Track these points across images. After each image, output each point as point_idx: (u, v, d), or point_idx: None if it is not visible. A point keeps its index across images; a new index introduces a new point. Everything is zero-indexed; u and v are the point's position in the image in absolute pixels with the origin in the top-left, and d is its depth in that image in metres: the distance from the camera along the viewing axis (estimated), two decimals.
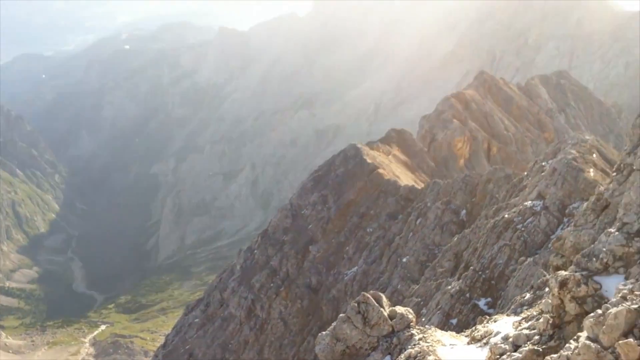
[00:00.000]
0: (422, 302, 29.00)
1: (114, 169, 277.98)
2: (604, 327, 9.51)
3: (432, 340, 9.90)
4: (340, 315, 10.56)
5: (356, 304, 10.42)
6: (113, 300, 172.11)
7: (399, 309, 10.53)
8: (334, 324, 10.50)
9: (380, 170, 53.83)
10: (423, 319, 25.03)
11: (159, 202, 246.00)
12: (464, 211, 39.08)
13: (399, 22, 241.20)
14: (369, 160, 55.17)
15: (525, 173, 36.49)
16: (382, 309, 10.48)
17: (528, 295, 15.88)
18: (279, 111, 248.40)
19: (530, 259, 21.77)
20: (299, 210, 55.31)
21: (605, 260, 12.00)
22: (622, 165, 16.87)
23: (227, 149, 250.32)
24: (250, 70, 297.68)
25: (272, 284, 49.72)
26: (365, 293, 10.54)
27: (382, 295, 11.56)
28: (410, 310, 10.63)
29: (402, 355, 9.43)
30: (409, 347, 9.70)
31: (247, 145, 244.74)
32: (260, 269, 52.10)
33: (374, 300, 10.50)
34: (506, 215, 26.49)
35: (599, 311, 10.14)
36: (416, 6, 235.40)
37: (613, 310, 9.57)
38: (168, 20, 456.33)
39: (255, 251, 54.74)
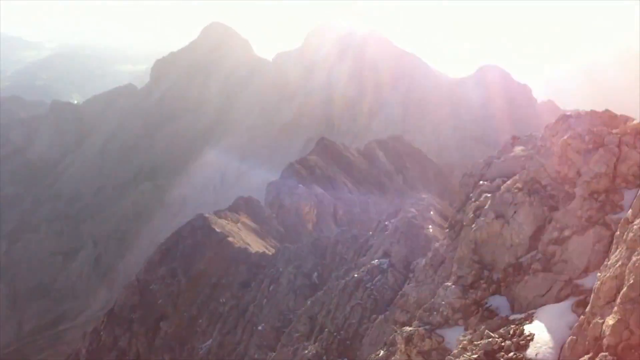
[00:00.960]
0: None
1: None
2: None
3: None
4: None
5: None
6: None
7: None
8: None
9: (230, 239, 53.73)
10: None
11: None
12: (315, 274, 39.94)
13: (239, 93, 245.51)
14: (217, 230, 54.91)
15: (371, 233, 38.28)
16: None
17: (382, 353, 16.59)
18: (120, 185, 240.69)
19: (381, 316, 22.74)
20: (146, 286, 53.43)
21: (445, 313, 13.03)
22: (453, 222, 18.43)
23: (65, 227, 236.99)
24: (87, 144, 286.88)
25: None
26: None
27: None
28: None
29: None
30: None
31: (87, 221, 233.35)
32: (108, 351, 49.35)
33: None
34: (356, 275, 27.56)
35: None
36: (255, 77, 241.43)
37: None
38: None
39: (102, 332, 51.84)
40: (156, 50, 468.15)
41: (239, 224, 62.25)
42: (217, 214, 62.85)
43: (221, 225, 57.02)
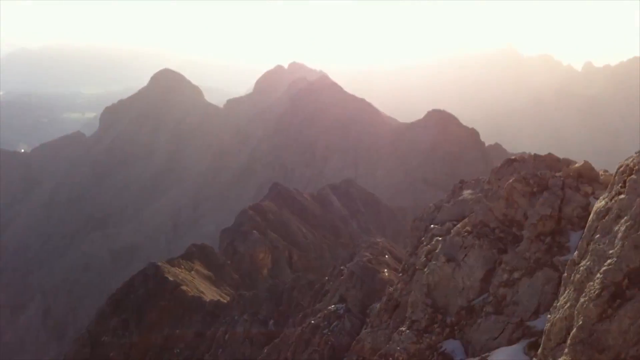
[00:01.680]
0: None
1: None
2: None
3: None
4: None
5: None
6: None
7: None
8: None
9: (184, 287, 52.88)
10: None
11: None
12: (271, 321, 39.59)
13: (190, 139, 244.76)
14: (170, 278, 54.00)
15: (327, 278, 38.28)
16: None
17: None
18: (68, 234, 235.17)
19: None
20: (97, 338, 51.99)
21: (400, 358, 13.11)
22: (406, 265, 18.68)
23: (11, 280, 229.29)
24: (34, 193, 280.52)
25: None
26: None
27: None
28: None
29: None
30: None
31: (35, 273, 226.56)
32: None
33: None
34: (312, 321, 27.44)
35: None
36: (205, 124, 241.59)
37: None
38: None
39: None
40: (105, 97, 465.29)
41: (192, 272, 61.39)
42: (170, 262, 61.89)
43: (174, 273, 56.13)
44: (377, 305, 20.48)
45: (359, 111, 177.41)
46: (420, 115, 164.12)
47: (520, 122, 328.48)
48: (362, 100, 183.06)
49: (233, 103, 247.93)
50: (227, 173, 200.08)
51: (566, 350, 8.70)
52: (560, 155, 17.00)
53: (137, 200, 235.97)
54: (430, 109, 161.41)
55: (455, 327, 13.91)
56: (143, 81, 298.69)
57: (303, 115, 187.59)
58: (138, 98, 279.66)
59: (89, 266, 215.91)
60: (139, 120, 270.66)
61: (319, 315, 28.02)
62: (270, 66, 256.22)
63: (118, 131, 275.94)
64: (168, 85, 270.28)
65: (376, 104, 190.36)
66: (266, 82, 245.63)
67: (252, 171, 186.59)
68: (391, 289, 19.03)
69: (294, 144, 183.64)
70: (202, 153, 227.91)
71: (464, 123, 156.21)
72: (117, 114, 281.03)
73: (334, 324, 25.94)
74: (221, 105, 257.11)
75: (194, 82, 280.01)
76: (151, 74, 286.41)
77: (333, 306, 27.37)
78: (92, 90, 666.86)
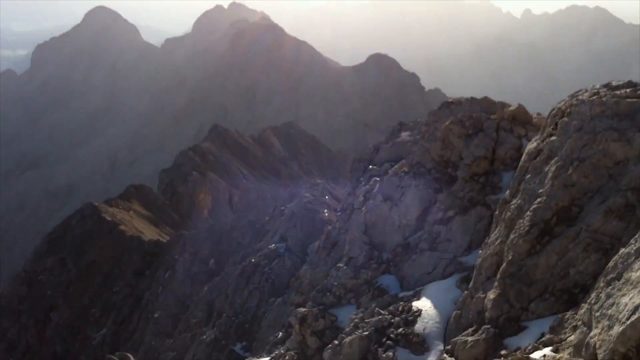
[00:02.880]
0: (177, 356, 28.85)
1: None
2: (341, 356, 10.78)
3: None
4: None
5: None
6: None
7: None
8: None
9: (122, 227, 52.35)
10: None
11: None
12: (212, 260, 39.75)
13: (127, 79, 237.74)
14: (108, 218, 53.31)
15: (267, 218, 38.53)
16: None
17: (280, 334, 16.89)
18: (1, 174, 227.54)
19: (279, 299, 23.08)
20: (34, 277, 51.29)
21: (337, 293, 13.47)
22: (345, 205, 18.99)
23: None
24: None
25: (11, 359, 45.28)
26: (110, 355, 10.53)
27: (129, 355, 11.60)
28: None
29: None
30: None
31: None
32: None
33: None
34: (253, 260, 27.72)
35: (336, 342, 11.45)
36: (142, 63, 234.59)
37: (347, 339, 10.91)
38: None
39: None
40: (36, 34, 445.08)
41: (131, 212, 60.71)
42: (108, 202, 60.98)
43: (112, 213, 55.41)
44: (316, 244, 20.83)
45: (301, 53, 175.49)
46: (362, 59, 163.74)
47: (461, 67, 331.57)
48: (304, 43, 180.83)
49: (171, 43, 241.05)
50: (165, 114, 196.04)
51: (496, 283, 9.07)
52: (499, 99, 17.34)
53: (73, 140, 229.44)
54: (372, 53, 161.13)
55: (391, 263, 14.32)
56: (76, 18, 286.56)
57: (244, 57, 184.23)
58: (71, 36, 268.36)
59: (24, 206, 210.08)
60: (73, 59, 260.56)
61: (259, 254, 28.31)
62: (209, 5, 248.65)
63: (51, 69, 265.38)
64: (103, 23, 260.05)
65: (318, 46, 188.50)
66: (205, 22, 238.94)
67: (192, 112, 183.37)
68: (329, 227, 19.34)
69: (235, 85, 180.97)
70: (140, 93, 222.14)
71: (405, 68, 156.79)
72: (49, 52, 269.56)
73: (274, 262, 26.30)
74: (159, 45, 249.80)
75: (131, 20, 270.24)
76: (85, 11, 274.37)
77: (273, 245, 27.68)
78: (23, 27, 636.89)
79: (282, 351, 13.05)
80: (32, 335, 46.26)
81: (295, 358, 11.94)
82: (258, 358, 14.72)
